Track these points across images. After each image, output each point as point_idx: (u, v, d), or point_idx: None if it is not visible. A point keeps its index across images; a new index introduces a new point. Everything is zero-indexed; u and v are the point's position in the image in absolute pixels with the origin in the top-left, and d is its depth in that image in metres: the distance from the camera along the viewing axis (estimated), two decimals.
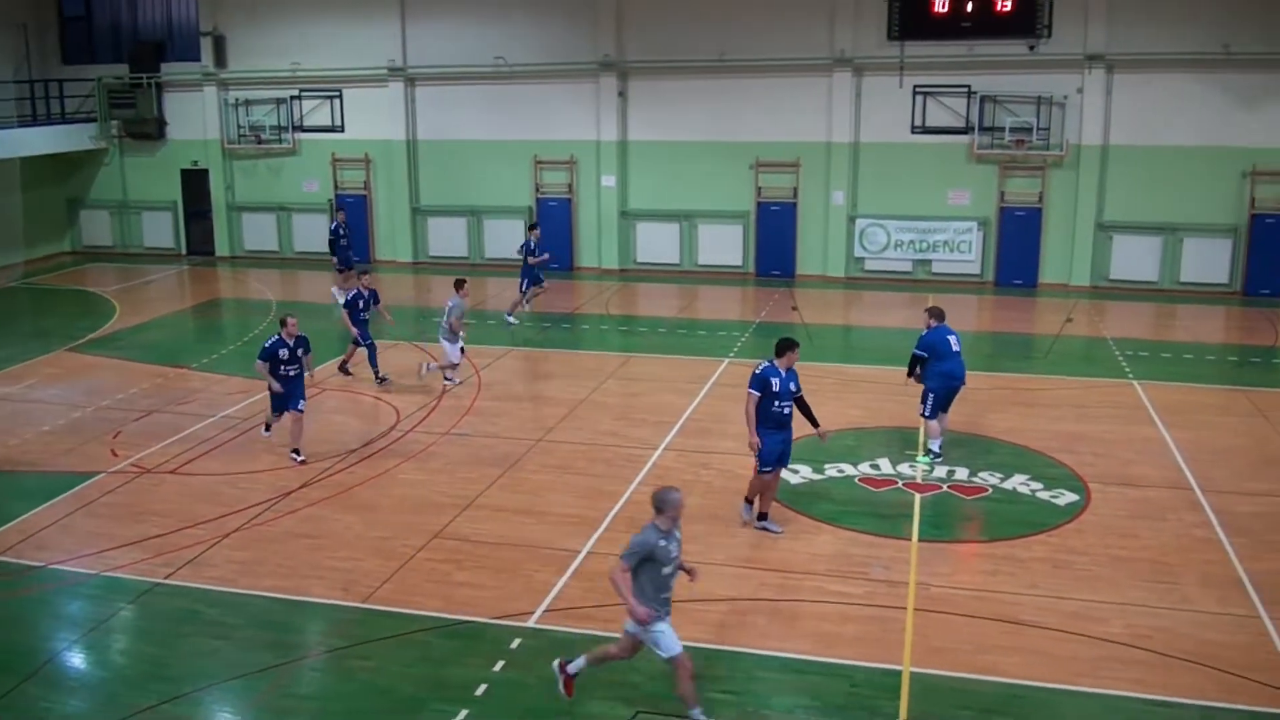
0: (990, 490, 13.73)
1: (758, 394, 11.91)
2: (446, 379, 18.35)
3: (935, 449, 14.65)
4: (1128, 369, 19.62)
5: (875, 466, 14.45)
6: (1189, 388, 18.58)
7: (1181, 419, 16.57)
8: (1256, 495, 13.72)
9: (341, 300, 24.26)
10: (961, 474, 14.23)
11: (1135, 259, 27.14)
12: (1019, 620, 10.38)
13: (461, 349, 18.25)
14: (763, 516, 12.44)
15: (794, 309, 24.58)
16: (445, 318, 18.17)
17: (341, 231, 26.15)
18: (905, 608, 10.56)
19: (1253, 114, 26.13)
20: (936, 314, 14.84)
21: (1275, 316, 24.49)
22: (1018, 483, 13.97)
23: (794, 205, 28.73)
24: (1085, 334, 22.56)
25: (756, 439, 11.96)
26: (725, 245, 29.22)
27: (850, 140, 28.00)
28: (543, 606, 10.48)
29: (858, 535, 12.31)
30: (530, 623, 10.18)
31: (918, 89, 27.50)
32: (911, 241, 28.04)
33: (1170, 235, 26.93)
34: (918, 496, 13.47)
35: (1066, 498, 13.50)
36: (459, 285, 18.87)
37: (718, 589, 10.83)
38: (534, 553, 11.76)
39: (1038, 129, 26.84)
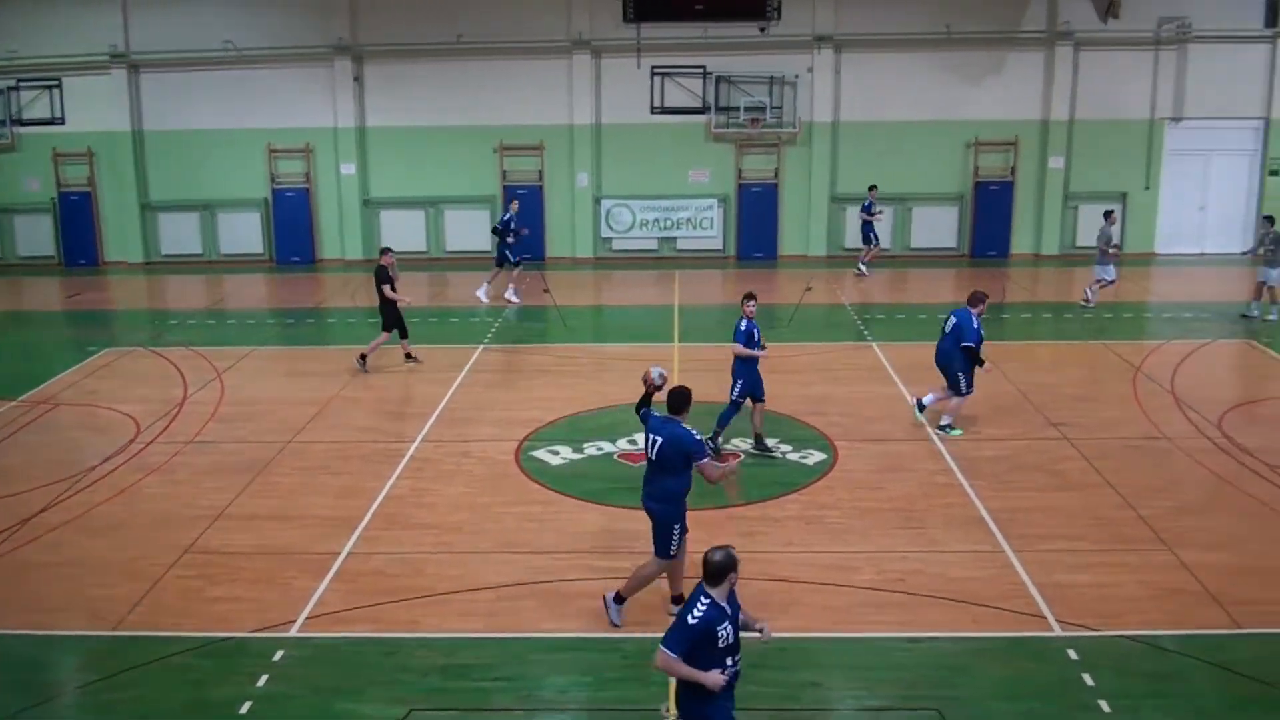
0: (743, 455, 14.16)
1: (708, 459, 9.81)
2: (1087, 298, 22.68)
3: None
4: (866, 332, 20.66)
5: (633, 442, 14.66)
6: (925, 346, 19.55)
7: (919, 376, 17.47)
8: (993, 440, 14.78)
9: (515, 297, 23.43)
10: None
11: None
12: (778, 577, 10.77)
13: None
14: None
15: (545, 291, 24.64)
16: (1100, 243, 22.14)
17: (513, 225, 24.04)
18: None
19: (973, 89, 28.00)
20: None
21: (1001, 275, 26.34)
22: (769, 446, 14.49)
23: (540, 188, 28.84)
24: (825, 301, 23.56)
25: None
26: (473, 231, 29.08)
27: (592, 122, 28.31)
28: (304, 614, 10.12)
29: (621, 510, 12.43)
30: (292, 632, 9.82)
31: (655, 70, 28.03)
32: (656, 220, 28.63)
33: (900, 204, 28.46)
34: None
35: (815, 457, 14.12)
36: (1107, 215, 22.69)
37: (485, 577, 10.79)
38: (291, 560, 11.36)
39: (771, 108, 27.81)
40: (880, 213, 26.84)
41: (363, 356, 18.29)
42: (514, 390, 17.36)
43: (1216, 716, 8.67)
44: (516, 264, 24.11)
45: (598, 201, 28.79)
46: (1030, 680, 9.06)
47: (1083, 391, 17.10)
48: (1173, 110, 28.35)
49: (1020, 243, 28.77)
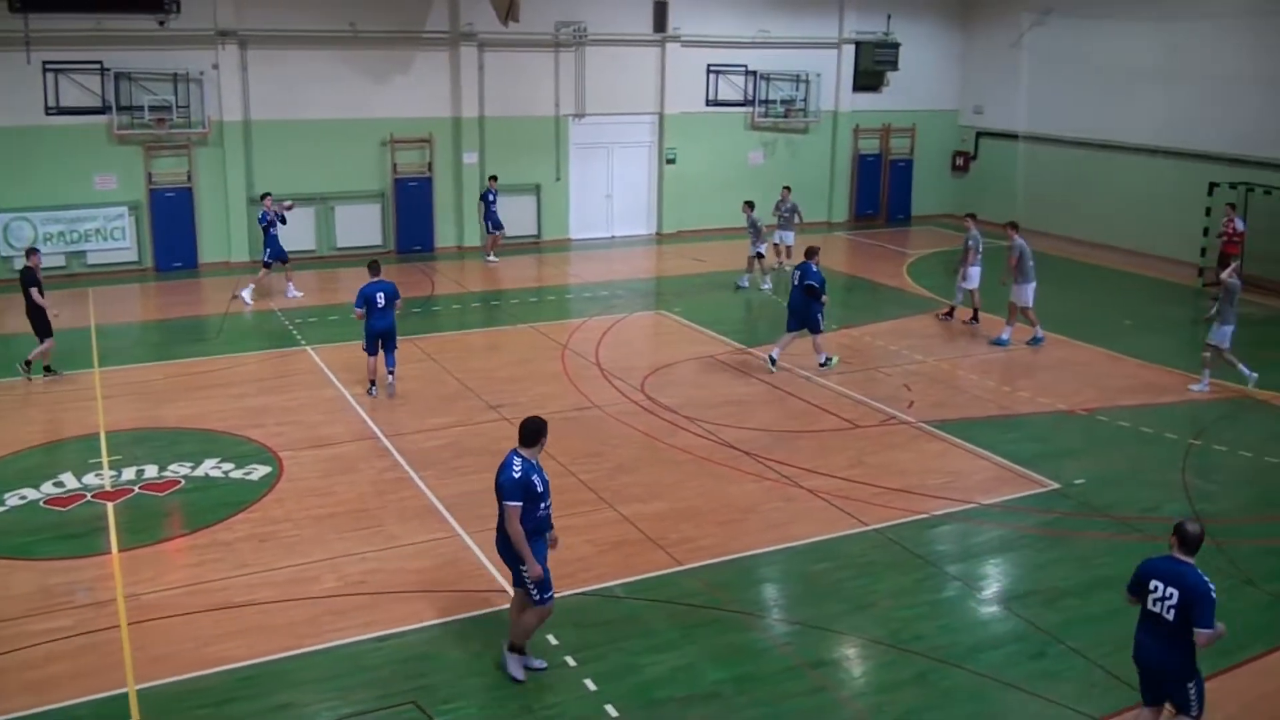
0: (183, 482, 13.63)
1: (520, 504, 8.81)
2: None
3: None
4: (300, 337, 20.45)
5: (59, 484, 13.52)
6: (360, 345, 19.79)
7: (358, 376, 17.66)
8: (437, 430, 15.37)
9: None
10: (151, 471, 13.91)
11: (290, 229, 28.03)
12: (235, 604, 10.54)
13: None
14: (519, 650, 9.50)
15: None
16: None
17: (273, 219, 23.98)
18: (118, 625, 10.14)
19: (384, 87, 28.46)
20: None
21: (429, 269, 27.08)
22: (209, 468, 14.02)
23: None
24: (254, 309, 22.95)
25: (539, 566, 8.96)
26: None
27: None
28: None
29: (54, 563, 11.47)
30: None
31: (48, 66, 25.58)
32: (61, 233, 26.18)
33: (323, 204, 28.30)
34: (110, 505, 12.90)
35: (260, 471, 13.89)
36: (750, 204, 25.13)
37: None
38: None
39: (178, 107, 26.46)
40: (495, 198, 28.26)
41: (27, 363, 18.06)
42: None
43: (672, 645, 9.84)
44: (268, 266, 24.00)
45: None
46: (500, 653, 9.58)
47: (517, 373, 18.23)
48: (575, 107, 30.53)
49: (444, 236, 29.66)
